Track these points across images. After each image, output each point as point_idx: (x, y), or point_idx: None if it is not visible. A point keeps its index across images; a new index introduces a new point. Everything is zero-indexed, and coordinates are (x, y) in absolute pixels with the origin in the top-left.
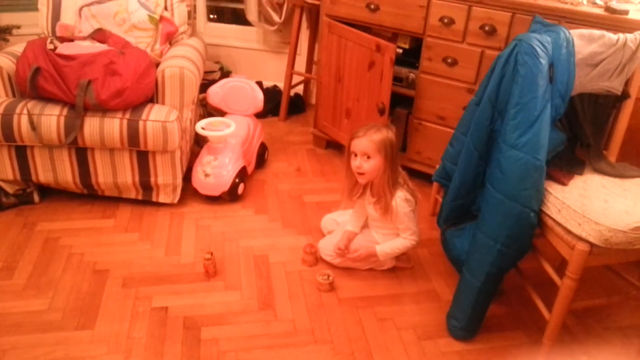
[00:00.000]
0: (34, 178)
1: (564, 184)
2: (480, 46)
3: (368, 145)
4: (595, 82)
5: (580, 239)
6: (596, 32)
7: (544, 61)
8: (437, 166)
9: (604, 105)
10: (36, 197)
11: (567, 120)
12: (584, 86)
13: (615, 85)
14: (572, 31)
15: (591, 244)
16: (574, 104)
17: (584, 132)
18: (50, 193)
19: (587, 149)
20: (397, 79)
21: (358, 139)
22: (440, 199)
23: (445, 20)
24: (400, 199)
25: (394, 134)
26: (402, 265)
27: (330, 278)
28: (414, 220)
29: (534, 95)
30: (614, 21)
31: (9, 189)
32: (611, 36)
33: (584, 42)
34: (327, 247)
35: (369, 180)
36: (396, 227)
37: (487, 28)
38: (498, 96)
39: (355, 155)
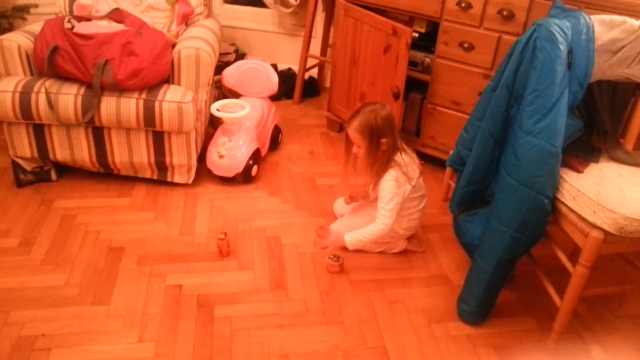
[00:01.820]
0: (51, 156)
1: (579, 171)
2: (497, 31)
3: (352, 135)
4: (614, 69)
5: (594, 226)
6: (617, 18)
7: (562, 47)
8: (451, 151)
9: (622, 93)
10: (53, 175)
11: (585, 107)
12: (603, 73)
13: (635, 73)
14: (592, 17)
15: (605, 232)
16: (592, 91)
17: (601, 120)
18: (67, 171)
19: (604, 137)
20: (412, 63)
21: (347, 129)
22: (453, 184)
23: (463, 5)
24: (391, 176)
25: (380, 113)
26: (414, 249)
27: (340, 260)
28: (393, 203)
29: (551, 82)
30: (636, 7)
31: (27, 166)
32: (633, 22)
33: (604, 28)
34: (338, 230)
35: (363, 163)
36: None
37: (505, 13)
38: (515, 82)
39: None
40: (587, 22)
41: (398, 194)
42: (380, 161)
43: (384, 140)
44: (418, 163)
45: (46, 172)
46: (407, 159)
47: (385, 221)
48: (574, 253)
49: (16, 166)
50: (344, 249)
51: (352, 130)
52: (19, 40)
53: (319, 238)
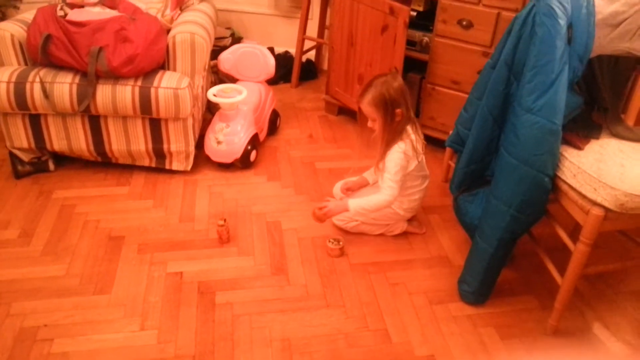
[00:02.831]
0: (48, 146)
1: (579, 148)
2: (496, 7)
3: (365, 109)
4: (615, 44)
5: (595, 203)
6: None
7: (562, 22)
8: (451, 132)
9: (623, 68)
10: (51, 165)
11: (585, 83)
12: (604, 48)
13: (636, 47)
14: None
15: (606, 209)
16: (593, 66)
17: (601, 96)
18: (65, 161)
19: (605, 113)
20: (410, 43)
21: (359, 104)
22: (453, 165)
23: None
24: (400, 148)
25: (392, 84)
26: (414, 231)
27: (341, 243)
28: (399, 175)
29: (551, 58)
30: None
31: (25, 157)
32: None
33: (605, 1)
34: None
35: (379, 135)
36: (406, 185)
37: None
38: (514, 59)
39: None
40: None
41: (404, 167)
42: (393, 132)
43: (398, 110)
44: (423, 140)
45: (44, 163)
46: (414, 137)
47: (391, 192)
48: (574, 231)
49: (13, 157)
50: (344, 232)
51: (366, 104)
52: (12, 29)
53: (319, 210)
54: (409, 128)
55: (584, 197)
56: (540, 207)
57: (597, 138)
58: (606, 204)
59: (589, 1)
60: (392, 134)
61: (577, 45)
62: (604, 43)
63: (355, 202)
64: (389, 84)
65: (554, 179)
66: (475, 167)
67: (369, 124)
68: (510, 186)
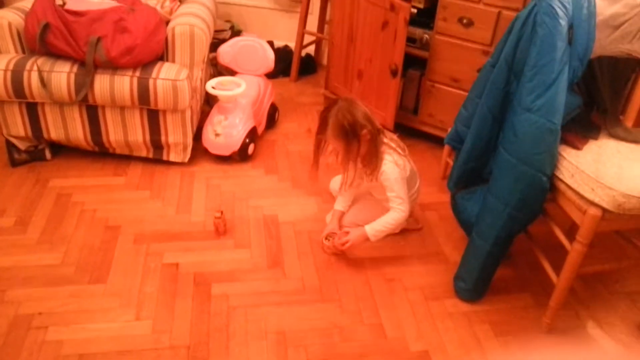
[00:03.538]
0: (45, 135)
1: (578, 148)
2: (497, 6)
3: (330, 142)
4: (615, 45)
5: (592, 204)
6: None
7: (563, 22)
8: (449, 129)
9: (623, 69)
10: (48, 154)
11: (585, 83)
12: (604, 49)
13: (636, 48)
14: None
15: (603, 209)
16: (593, 67)
17: (601, 97)
18: (62, 150)
19: (604, 114)
20: (410, 40)
21: (322, 138)
22: (451, 162)
23: None
24: (390, 162)
25: (347, 108)
26: (411, 227)
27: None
28: (404, 187)
29: (551, 58)
30: None
31: (21, 145)
32: None
33: (606, 2)
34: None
35: (346, 164)
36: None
37: None
38: (515, 58)
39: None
40: None
41: (403, 177)
42: (369, 152)
43: (364, 131)
44: (397, 138)
45: (40, 151)
46: (392, 143)
47: (404, 207)
48: (571, 230)
49: (10, 145)
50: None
51: (329, 138)
52: (9, 17)
53: (331, 240)
54: (383, 139)
55: (581, 197)
56: (537, 206)
57: (596, 139)
58: (603, 204)
59: (590, 2)
60: (369, 154)
61: (578, 45)
62: (605, 44)
63: (373, 228)
64: (344, 110)
65: (552, 178)
66: (474, 165)
67: (329, 150)
68: (508, 184)
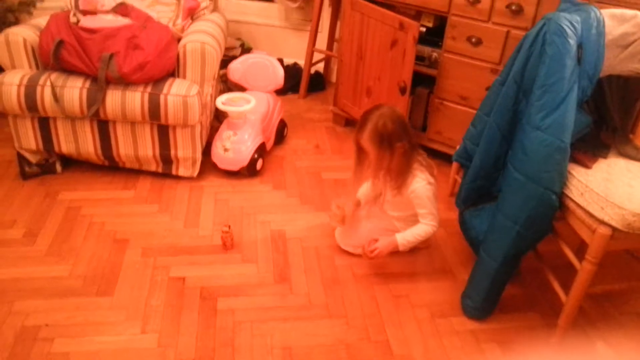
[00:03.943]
0: (56, 148)
1: (587, 167)
2: (506, 26)
3: (365, 145)
4: (625, 64)
5: (602, 222)
6: (628, 12)
7: (572, 41)
8: (458, 146)
9: (633, 88)
10: (58, 167)
11: (594, 102)
12: (613, 68)
13: None
14: (602, 11)
15: (613, 228)
16: (602, 86)
17: (610, 115)
18: (72, 164)
19: (613, 133)
20: (419, 58)
21: (359, 139)
22: (459, 180)
23: None
24: (423, 181)
25: (389, 116)
26: (419, 245)
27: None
28: (435, 204)
29: (560, 76)
30: None
31: (32, 158)
32: None
33: (615, 22)
34: (346, 239)
35: (376, 172)
36: (414, 213)
37: (513, 7)
38: (524, 76)
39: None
40: (597, 16)
41: (436, 195)
42: (401, 165)
43: (399, 144)
44: (431, 163)
45: (51, 165)
46: (424, 162)
47: (435, 223)
48: (580, 249)
49: (21, 158)
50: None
51: (364, 140)
52: (24, 34)
53: (370, 253)
54: (418, 157)
55: (591, 215)
56: (546, 224)
57: (605, 157)
58: (613, 223)
59: (599, 22)
60: (400, 168)
61: (587, 65)
62: (614, 63)
63: (404, 238)
64: (386, 117)
65: (561, 196)
66: (482, 183)
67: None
68: (517, 202)
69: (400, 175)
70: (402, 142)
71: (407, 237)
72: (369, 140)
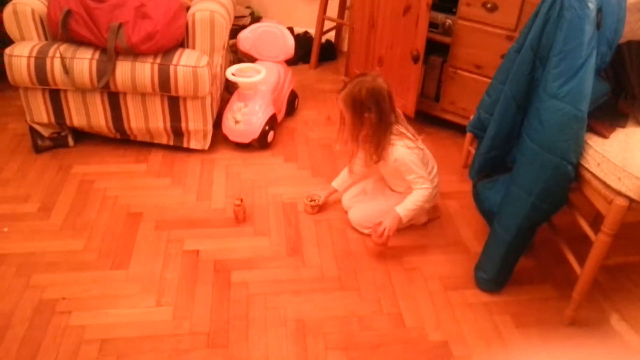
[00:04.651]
0: (68, 122)
1: (605, 136)
2: None
3: (339, 104)
4: None
5: (619, 193)
6: None
7: (592, 6)
8: (472, 117)
9: None
10: (70, 141)
11: (613, 69)
12: (634, 33)
13: None
14: None
15: (630, 199)
16: (622, 52)
17: (629, 83)
18: (84, 137)
19: (632, 101)
20: (432, 25)
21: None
22: (473, 151)
23: None
24: (402, 147)
25: (368, 85)
26: (430, 217)
27: (317, 201)
28: (421, 167)
29: (579, 42)
30: None
31: (44, 132)
32: None
33: None
34: (362, 220)
35: (353, 137)
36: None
37: None
38: (540, 43)
39: None
40: None
41: (420, 157)
42: (370, 137)
43: (366, 114)
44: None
45: (63, 138)
46: (406, 131)
47: (426, 184)
48: (596, 220)
49: (34, 132)
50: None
51: (340, 100)
52: (32, 4)
53: (378, 238)
54: (399, 128)
55: (607, 186)
56: (561, 195)
57: (624, 126)
58: (630, 194)
59: None
60: (371, 138)
61: (607, 30)
62: (635, 28)
63: (404, 207)
64: (363, 84)
65: (577, 167)
66: (496, 154)
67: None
68: (532, 173)
69: (372, 145)
70: (370, 113)
71: (406, 206)
72: (343, 102)
